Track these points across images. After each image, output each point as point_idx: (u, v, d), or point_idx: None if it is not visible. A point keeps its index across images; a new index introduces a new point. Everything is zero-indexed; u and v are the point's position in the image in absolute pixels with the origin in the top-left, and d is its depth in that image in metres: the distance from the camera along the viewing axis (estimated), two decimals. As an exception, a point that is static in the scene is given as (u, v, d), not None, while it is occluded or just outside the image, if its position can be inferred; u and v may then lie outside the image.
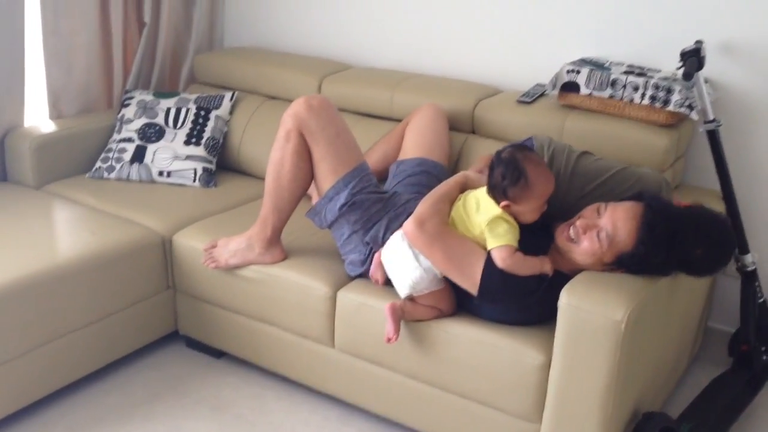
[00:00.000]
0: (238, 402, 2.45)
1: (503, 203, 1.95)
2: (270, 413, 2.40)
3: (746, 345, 2.55)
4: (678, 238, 1.88)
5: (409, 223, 2.01)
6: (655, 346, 2.09)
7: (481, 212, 1.98)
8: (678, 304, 2.22)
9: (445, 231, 2.00)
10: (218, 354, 2.64)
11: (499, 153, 1.98)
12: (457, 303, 2.09)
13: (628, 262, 1.90)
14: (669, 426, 2.08)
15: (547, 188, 1.97)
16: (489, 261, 1.94)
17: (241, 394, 2.48)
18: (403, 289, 2.07)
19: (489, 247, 1.95)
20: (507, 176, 1.93)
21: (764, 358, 2.55)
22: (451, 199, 2.06)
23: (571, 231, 1.96)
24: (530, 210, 1.97)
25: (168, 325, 2.65)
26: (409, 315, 2.08)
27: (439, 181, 2.23)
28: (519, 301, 1.97)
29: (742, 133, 2.56)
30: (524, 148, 2.01)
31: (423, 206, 2.02)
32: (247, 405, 2.43)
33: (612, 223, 1.91)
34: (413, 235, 1.99)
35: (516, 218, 1.98)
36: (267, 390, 2.50)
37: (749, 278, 2.50)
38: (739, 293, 2.55)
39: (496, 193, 1.96)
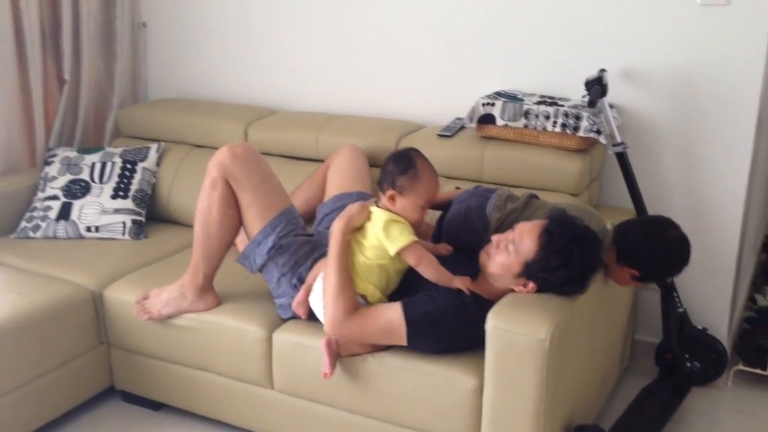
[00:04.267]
0: (180, 453, 2.44)
1: (390, 192, 2.03)
2: (213, 461, 2.40)
3: (670, 354, 2.67)
4: (576, 248, 1.95)
5: (327, 329, 2.05)
6: (581, 361, 2.17)
7: (372, 226, 2.04)
8: (601, 319, 2.32)
9: (357, 318, 2.02)
10: (157, 406, 2.62)
11: (394, 151, 2.10)
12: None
13: (535, 271, 1.96)
14: (601, 437, 2.15)
15: (432, 185, 2.07)
16: (407, 311, 2.00)
17: (182, 445, 2.47)
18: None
19: (391, 252, 2.01)
20: (397, 166, 2.04)
21: (688, 365, 2.68)
22: (344, 261, 2.06)
23: (488, 247, 2.06)
24: (414, 206, 2.04)
25: (103, 380, 2.62)
26: (345, 350, 2.12)
27: None
28: (446, 334, 2.03)
29: (648, 153, 2.71)
30: (416, 149, 2.12)
31: (328, 307, 2.04)
32: (189, 455, 2.43)
33: (519, 234, 2.00)
34: (334, 337, 2.06)
35: (403, 215, 2.05)
36: (208, 438, 2.50)
37: (668, 290, 2.63)
38: (660, 305, 2.68)
39: (385, 182, 2.05)
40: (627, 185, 2.58)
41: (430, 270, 2.03)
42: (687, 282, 2.74)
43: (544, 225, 1.99)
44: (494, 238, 2.05)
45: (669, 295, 2.63)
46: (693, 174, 2.68)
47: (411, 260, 2.03)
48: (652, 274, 2.29)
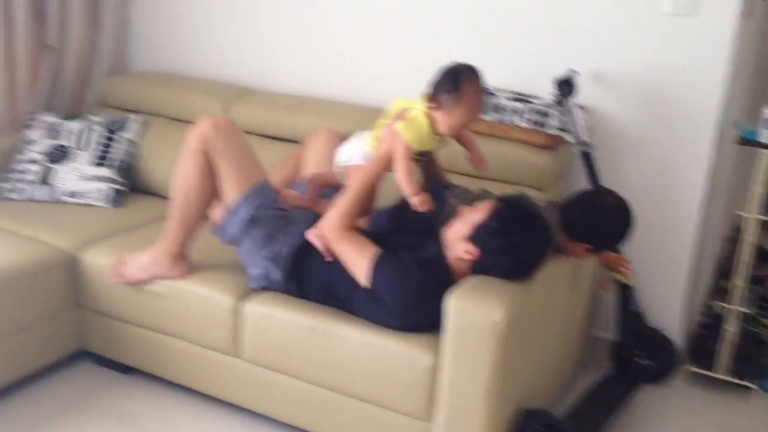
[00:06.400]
0: (145, 415, 2.50)
1: (429, 104, 2.18)
2: (175, 425, 2.47)
3: (623, 350, 2.78)
4: (522, 221, 2.08)
5: (323, 228, 2.23)
6: (536, 347, 2.27)
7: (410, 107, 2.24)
8: (556, 309, 2.42)
9: (346, 236, 2.19)
10: (126, 370, 2.68)
11: (456, 63, 2.20)
12: (356, 311, 2.23)
13: (479, 233, 2.07)
14: (551, 422, 2.25)
15: (471, 112, 2.18)
16: (377, 262, 2.12)
17: (148, 408, 2.53)
18: (343, 154, 2.41)
19: (397, 127, 2.19)
20: (444, 82, 2.17)
21: (639, 362, 2.78)
22: (370, 189, 2.25)
23: (452, 219, 2.18)
24: (447, 123, 2.19)
25: (76, 342, 2.68)
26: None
27: None
28: (403, 289, 2.13)
29: (614, 154, 2.81)
30: (475, 70, 2.19)
31: (332, 214, 2.21)
32: (154, 418, 2.49)
33: (480, 205, 2.14)
34: (320, 234, 2.23)
35: (434, 124, 2.19)
36: (174, 403, 2.56)
37: (625, 289, 2.73)
38: (617, 303, 2.79)
39: (431, 91, 2.18)
40: (591, 184, 2.67)
41: (401, 172, 2.17)
42: (644, 282, 2.85)
43: (501, 198, 2.13)
44: (461, 208, 2.17)
45: (626, 294, 2.74)
46: (653, 177, 2.78)
47: (397, 152, 2.18)
48: (604, 243, 2.38)
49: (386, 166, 2.24)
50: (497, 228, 2.06)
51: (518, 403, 2.21)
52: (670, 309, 2.90)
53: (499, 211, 2.08)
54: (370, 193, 2.26)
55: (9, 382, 2.50)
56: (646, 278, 2.87)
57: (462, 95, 2.14)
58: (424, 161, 2.37)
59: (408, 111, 2.23)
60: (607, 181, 2.73)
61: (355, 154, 2.37)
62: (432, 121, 2.19)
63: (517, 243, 2.06)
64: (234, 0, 3.34)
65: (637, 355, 2.78)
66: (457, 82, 2.15)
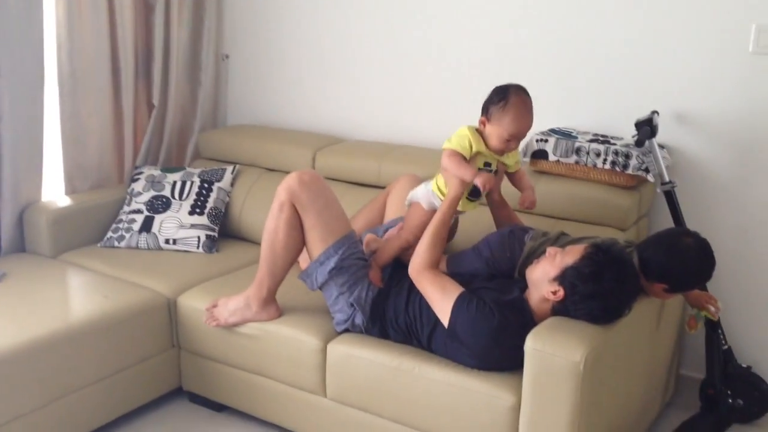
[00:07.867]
0: (237, 452, 2.62)
1: (481, 118, 2.31)
2: (266, 462, 2.58)
3: (712, 389, 2.72)
4: (614, 268, 2.09)
5: (410, 269, 2.33)
6: (619, 387, 2.26)
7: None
8: (640, 349, 2.40)
9: (430, 276, 2.27)
10: (219, 408, 2.81)
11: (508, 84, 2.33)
12: (437, 350, 2.29)
13: (569, 276, 2.09)
14: (637, 464, 2.23)
15: (518, 122, 2.27)
16: (456, 308, 2.18)
17: (240, 446, 2.66)
18: (410, 195, 2.53)
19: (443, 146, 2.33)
20: (493, 96, 2.31)
21: (729, 401, 2.72)
22: (446, 227, 2.34)
23: (538, 258, 2.23)
24: (496, 135, 2.29)
25: (172, 381, 2.84)
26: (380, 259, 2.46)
27: None
28: (480, 329, 2.16)
29: (699, 193, 2.79)
30: (523, 88, 2.32)
31: (417, 253, 2.31)
32: (245, 455, 2.61)
33: (570, 248, 2.17)
34: (412, 276, 2.32)
35: (486, 141, 2.30)
36: (264, 440, 2.68)
37: (713, 326, 2.69)
38: (705, 341, 2.74)
39: (482, 109, 2.32)
40: (674, 223, 2.66)
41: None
42: (734, 320, 2.80)
43: (594, 243, 2.15)
44: (549, 249, 2.21)
45: (713, 331, 2.69)
46: (741, 216, 2.75)
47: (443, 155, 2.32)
48: (681, 284, 2.32)
49: (455, 205, 2.34)
50: (589, 273, 2.08)
51: (602, 445, 2.20)
52: (761, 347, 2.83)
53: (591, 256, 2.11)
54: (445, 233, 2.34)
55: (110, 419, 2.66)
56: (737, 316, 2.81)
57: (509, 105, 2.26)
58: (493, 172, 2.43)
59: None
60: (693, 219, 2.71)
61: (418, 194, 2.48)
62: (484, 138, 2.31)
63: (606, 290, 2.08)
64: (321, 56, 3.53)
65: (726, 394, 2.71)
66: (505, 94, 2.28)
